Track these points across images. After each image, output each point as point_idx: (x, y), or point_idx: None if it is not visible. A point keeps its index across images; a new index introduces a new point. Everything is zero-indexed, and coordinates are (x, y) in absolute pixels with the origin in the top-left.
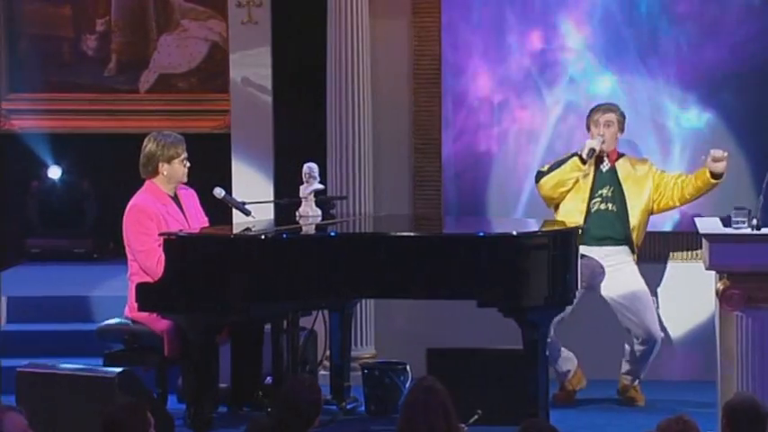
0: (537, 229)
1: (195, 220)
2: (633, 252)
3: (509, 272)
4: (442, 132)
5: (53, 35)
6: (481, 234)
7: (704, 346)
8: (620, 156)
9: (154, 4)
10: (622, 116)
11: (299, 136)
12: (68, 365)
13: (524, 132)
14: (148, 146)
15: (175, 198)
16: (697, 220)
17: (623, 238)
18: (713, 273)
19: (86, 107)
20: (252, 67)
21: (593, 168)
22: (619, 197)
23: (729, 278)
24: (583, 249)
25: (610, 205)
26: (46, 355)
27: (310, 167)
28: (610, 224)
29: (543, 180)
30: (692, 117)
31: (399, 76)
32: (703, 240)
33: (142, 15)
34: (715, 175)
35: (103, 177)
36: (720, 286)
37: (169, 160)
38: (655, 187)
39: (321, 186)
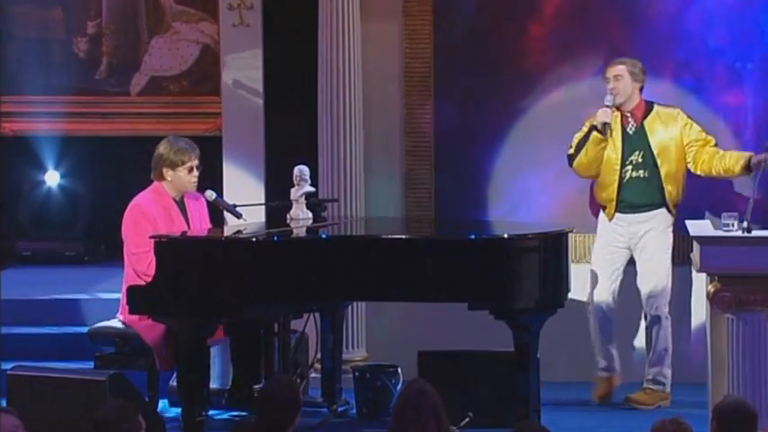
0: (528, 232)
1: (199, 228)
2: (671, 213)
3: (500, 274)
4: (433, 134)
5: (44, 37)
6: (472, 236)
7: (694, 349)
8: (649, 110)
9: (145, 7)
10: (637, 67)
11: (290, 138)
12: (59, 368)
13: (517, 133)
14: (159, 148)
15: (181, 203)
16: (688, 222)
17: (659, 203)
18: (704, 275)
19: (77, 110)
20: (243, 69)
21: (620, 132)
22: (650, 162)
23: (720, 280)
24: (620, 216)
25: (641, 172)
26: (37, 357)
27: (301, 170)
28: (643, 191)
29: (575, 164)
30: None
31: (390, 78)
32: (694, 243)
33: (133, 18)
34: (750, 169)
35: (95, 180)
36: (711, 289)
37: (173, 167)
38: (686, 146)
39: (312, 189)
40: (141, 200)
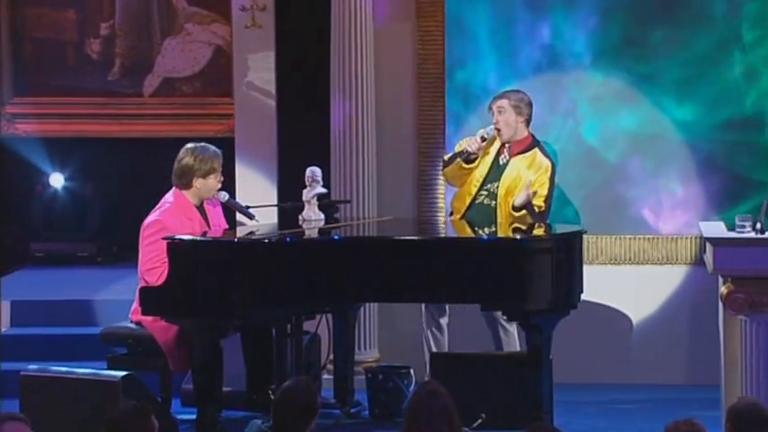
0: (541, 233)
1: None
2: None
3: (513, 276)
4: (446, 136)
5: (57, 39)
6: (485, 238)
7: (708, 350)
8: (530, 148)
9: (158, 8)
10: (522, 102)
11: (302, 140)
12: (72, 369)
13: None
14: (185, 159)
15: (200, 208)
16: (701, 224)
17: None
18: (718, 276)
19: (90, 111)
20: (256, 70)
21: (493, 158)
22: (498, 195)
23: (733, 282)
24: None
25: (492, 201)
26: (49, 358)
27: (313, 171)
28: (487, 218)
29: (443, 171)
30: (693, 118)
31: (403, 79)
32: (707, 244)
33: (146, 19)
34: (515, 207)
35: (107, 181)
36: (724, 290)
37: (205, 175)
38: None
39: (324, 190)
40: (165, 215)
